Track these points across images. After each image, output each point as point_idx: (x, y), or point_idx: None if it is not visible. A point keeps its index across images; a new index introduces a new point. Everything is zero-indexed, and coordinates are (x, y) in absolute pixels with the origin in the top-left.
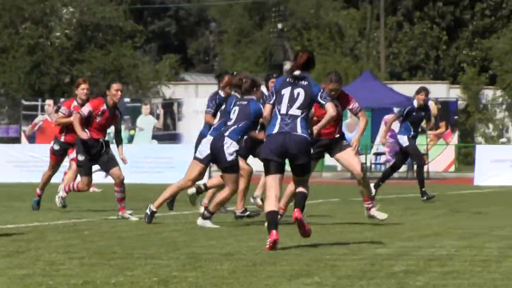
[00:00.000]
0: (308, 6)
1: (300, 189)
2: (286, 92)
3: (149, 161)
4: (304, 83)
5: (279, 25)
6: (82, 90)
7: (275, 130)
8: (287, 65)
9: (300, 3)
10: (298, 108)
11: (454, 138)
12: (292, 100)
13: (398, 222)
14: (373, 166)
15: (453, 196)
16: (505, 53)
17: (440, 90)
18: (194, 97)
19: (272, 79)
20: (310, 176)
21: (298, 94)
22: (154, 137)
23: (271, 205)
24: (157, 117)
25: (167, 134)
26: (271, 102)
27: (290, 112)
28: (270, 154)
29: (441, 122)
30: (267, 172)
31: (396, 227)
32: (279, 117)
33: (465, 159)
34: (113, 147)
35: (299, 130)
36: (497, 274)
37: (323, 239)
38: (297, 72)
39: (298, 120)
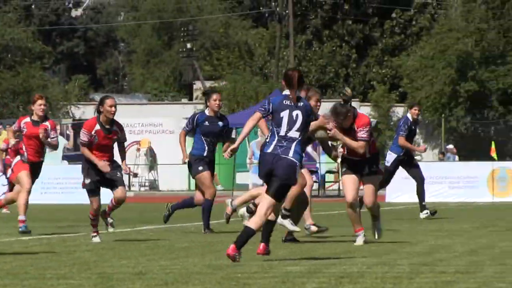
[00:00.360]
0: (217, 26)
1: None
2: (285, 114)
3: (60, 181)
4: (301, 104)
5: (188, 45)
6: (39, 106)
7: (269, 149)
8: (197, 85)
9: (208, 22)
10: (297, 130)
11: None
12: (291, 123)
13: (309, 240)
14: None
15: (364, 213)
16: (415, 70)
17: None
18: None
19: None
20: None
21: (297, 116)
22: (64, 157)
23: (251, 223)
24: (67, 138)
25: (76, 154)
26: (264, 115)
27: (289, 135)
28: (263, 177)
29: None
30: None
31: (307, 245)
32: (276, 138)
33: None
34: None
35: (291, 154)
36: None
37: None
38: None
39: (294, 143)
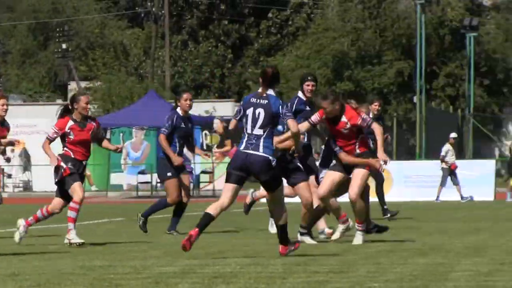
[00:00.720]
0: (93, 26)
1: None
2: (249, 112)
3: None
4: (264, 102)
5: (64, 45)
6: (2, 106)
7: (241, 147)
8: (72, 85)
9: (84, 22)
10: (260, 127)
11: None
12: (254, 120)
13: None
14: (158, 185)
15: (240, 213)
16: (291, 70)
17: (225, 108)
18: None
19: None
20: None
21: (259, 113)
22: None
23: (211, 208)
24: None
25: None
26: (237, 118)
27: (254, 132)
28: (233, 169)
29: (227, 140)
30: (226, 181)
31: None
32: (246, 135)
33: None
34: None
35: (261, 150)
36: None
37: (108, 258)
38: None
39: (261, 139)
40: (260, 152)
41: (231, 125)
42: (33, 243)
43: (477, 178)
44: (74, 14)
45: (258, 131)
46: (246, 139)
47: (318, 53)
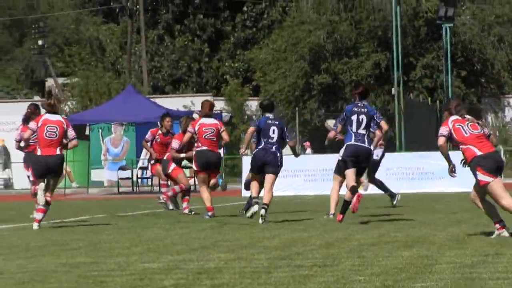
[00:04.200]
0: (68, 22)
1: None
2: (354, 117)
3: None
4: (365, 110)
5: (40, 42)
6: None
7: (351, 141)
8: (49, 81)
9: (60, 19)
10: (363, 128)
11: (220, 150)
12: (358, 123)
13: (166, 236)
14: (139, 180)
15: (221, 208)
16: (267, 63)
17: None
18: None
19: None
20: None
21: (362, 118)
22: None
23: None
24: None
25: None
26: (342, 122)
27: (359, 131)
28: (348, 156)
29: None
30: (346, 168)
31: (165, 241)
32: (353, 134)
33: (232, 170)
34: None
35: (366, 144)
36: (267, 285)
37: (91, 255)
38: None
39: (365, 137)
40: (366, 145)
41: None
42: (16, 241)
43: (458, 169)
44: (49, 10)
45: (362, 131)
46: (353, 136)
47: (295, 46)
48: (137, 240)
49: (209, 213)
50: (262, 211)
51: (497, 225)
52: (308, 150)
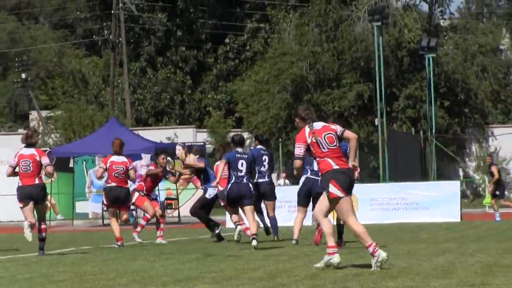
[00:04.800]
0: (51, 55)
1: None
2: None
3: None
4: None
5: (23, 75)
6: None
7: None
8: (33, 114)
9: (42, 52)
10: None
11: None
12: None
13: (151, 268)
14: None
15: (205, 240)
16: (250, 95)
17: (187, 135)
18: None
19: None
20: None
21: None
22: None
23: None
24: None
25: None
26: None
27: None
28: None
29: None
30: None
31: (150, 273)
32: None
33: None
34: None
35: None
36: None
37: (77, 286)
38: None
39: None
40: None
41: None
42: (2, 273)
43: (443, 199)
44: (32, 43)
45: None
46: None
47: (277, 78)
48: (122, 271)
49: (118, 243)
50: (254, 242)
51: (331, 249)
52: (282, 181)
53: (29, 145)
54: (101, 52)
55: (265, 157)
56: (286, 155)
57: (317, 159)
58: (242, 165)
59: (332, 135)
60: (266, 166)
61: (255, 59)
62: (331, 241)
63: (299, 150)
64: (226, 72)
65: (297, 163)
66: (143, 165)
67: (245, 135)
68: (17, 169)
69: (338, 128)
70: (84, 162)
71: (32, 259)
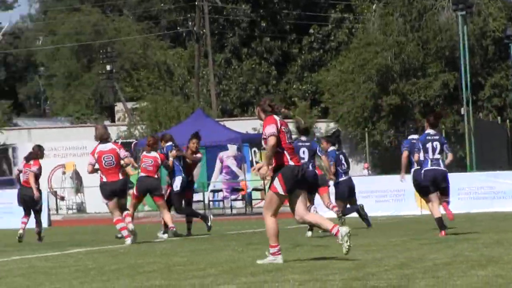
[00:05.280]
0: (135, 46)
1: None
2: (429, 145)
3: None
4: (437, 137)
5: (108, 67)
6: None
7: (428, 167)
8: (118, 106)
9: (127, 44)
10: (438, 153)
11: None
12: (433, 150)
13: (240, 258)
14: (211, 203)
15: (293, 230)
16: (335, 85)
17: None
18: (28, 141)
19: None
20: None
21: (436, 145)
22: None
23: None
24: None
25: (3, 179)
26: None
27: (434, 157)
28: (429, 181)
29: None
30: (430, 193)
31: (239, 263)
32: (430, 160)
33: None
34: None
35: (442, 166)
36: None
37: (166, 277)
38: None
39: (440, 160)
40: (442, 168)
41: None
42: (91, 264)
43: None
44: (116, 35)
45: (437, 156)
46: (430, 162)
47: (362, 68)
48: (211, 262)
49: (173, 229)
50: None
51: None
52: (366, 172)
53: (105, 140)
54: (185, 43)
55: (304, 149)
56: (373, 145)
57: (278, 149)
58: (303, 153)
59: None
60: (305, 158)
61: (340, 49)
62: (273, 241)
63: (272, 128)
64: (310, 63)
65: (272, 140)
66: (229, 156)
67: (331, 125)
68: (96, 166)
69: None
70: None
71: (120, 250)
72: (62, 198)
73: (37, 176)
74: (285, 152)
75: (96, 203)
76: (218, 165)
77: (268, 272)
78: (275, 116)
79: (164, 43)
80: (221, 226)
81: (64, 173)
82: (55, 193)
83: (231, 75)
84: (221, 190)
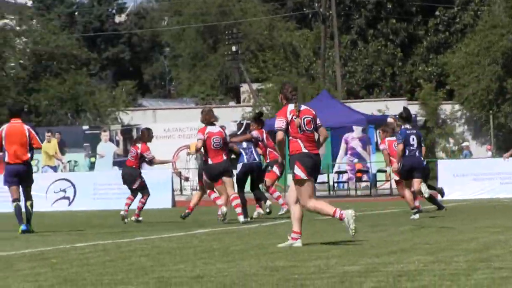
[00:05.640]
0: (261, 28)
1: None
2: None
3: (111, 187)
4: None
5: (234, 48)
6: None
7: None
8: (244, 87)
9: (252, 25)
10: None
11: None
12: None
13: (365, 239)
14: (335, 184)
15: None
16: (460, 67)
17: (398, 107)
18: (152, 122)
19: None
20: None
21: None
22: (115, 163)
23: None
24: (117, 144)
25: None
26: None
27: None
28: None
29: None
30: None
31: (364, 244)
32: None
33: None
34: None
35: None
36: (467, 287)
37: (290, 258)
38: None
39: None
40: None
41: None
42: (216, 245)
43: None
44: (242, 16)
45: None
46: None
47: (487, 50)
48: (336, 243)
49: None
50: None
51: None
52: (490, 153)
53: (213, 123)
54: (311, 24)
55: (413, 136)
56: (497, 128)
57: (290, 138)
58: (413, 140)
59: (310, 119)
60: (415, 144)
61: (465, 31)
62: (296, 227)
63: (280, 123)
64: (436, 45)
65: (280, 135)
66: (354, 138)
67: (456, 107)
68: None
69: (316, 118)
70: None
71: (245, 231)
72: (187, 179)
73: (139, 156)
74: (298, 140)
75: None
76: (343, 146)
77: (393, 253)
78: (290, 106)
79: (290, 24)
80: (345, 207)
81: (188, 154)
82: (179, 174)
83: (356, 57)
84: (345, 172)
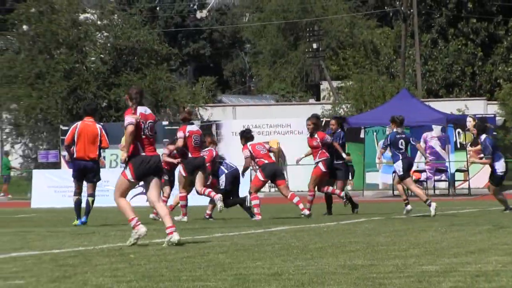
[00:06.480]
0: (342, 25)
1: None
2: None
3: None
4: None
5: (314, 45)
6: None
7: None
8: (324, 85)
9: (333, 22)
10: None
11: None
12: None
13: (443, 239)
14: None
15: (496, 211)
16: None
17: (477, 107)
18: (232, 118)
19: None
20: None
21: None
22: None
23: None
24: None
25: None
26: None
27: None
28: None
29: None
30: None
31: (441, 244)
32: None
33: (505, 174)
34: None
35: None
36: None
37: (369, 257)
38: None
39: None
40: None
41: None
42: (294, 242)
43: None
44: (323, 13)
45: None
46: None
47: None
48: (414, 242)
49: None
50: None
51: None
52: None
53: (192, 122)
54: (392, 23)
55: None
56: None
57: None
58: (401, 144)
59: (153, 125)
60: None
61: None
62: (168, 222)
63: (131, 119)
64: None
65: (130, 128)
66: (433, 137)
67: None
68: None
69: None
70: (375, 133)
71: (324, 229)
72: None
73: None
74: (138, 143)
75: (298, 181)
76: (422, 145)
77: (471, 253)
78: (140, 109)
79: (371, 22)
80: (423, 207)
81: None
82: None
83: (437, 56)
84: (424, 171)
